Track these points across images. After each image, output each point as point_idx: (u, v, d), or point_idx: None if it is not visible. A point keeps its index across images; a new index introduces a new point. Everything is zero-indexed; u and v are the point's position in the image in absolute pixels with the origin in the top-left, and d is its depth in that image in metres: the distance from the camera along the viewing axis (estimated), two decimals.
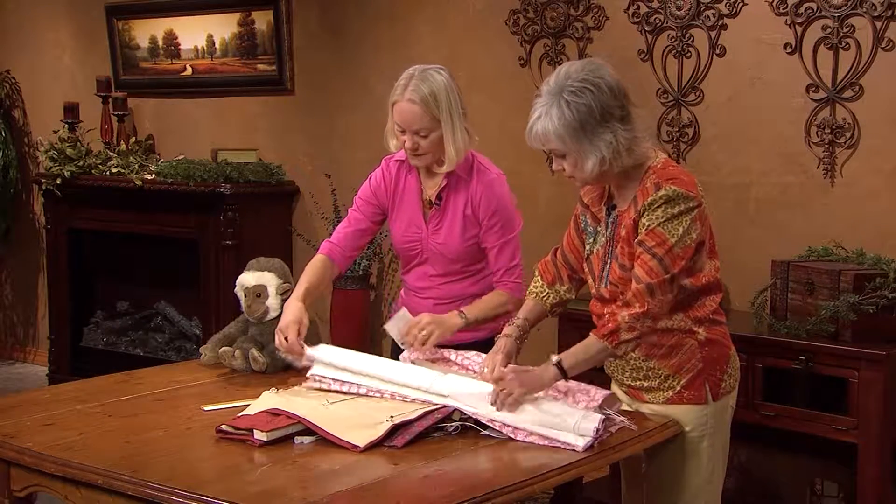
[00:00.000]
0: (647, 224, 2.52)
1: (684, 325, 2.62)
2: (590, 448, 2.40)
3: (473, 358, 2.82)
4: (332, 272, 3.15)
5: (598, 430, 2.41)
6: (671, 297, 2.53)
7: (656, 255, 2.50)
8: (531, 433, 2.46)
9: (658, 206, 2.51)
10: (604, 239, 2.68)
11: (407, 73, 3.00)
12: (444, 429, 2.52)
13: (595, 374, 2.74)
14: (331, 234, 3.22)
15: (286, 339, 2.92)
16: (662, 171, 2.56)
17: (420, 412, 2.52)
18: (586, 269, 2.75)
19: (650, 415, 2.66)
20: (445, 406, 2.57)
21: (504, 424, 2.49)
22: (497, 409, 2.51)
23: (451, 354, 2.87)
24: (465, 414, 2.55)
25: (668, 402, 2.65)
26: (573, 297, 2.88)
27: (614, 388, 2.78)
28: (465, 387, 2.61)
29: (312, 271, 3.10)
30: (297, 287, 3.07)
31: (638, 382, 2.68)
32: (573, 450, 2.38)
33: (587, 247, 2.74)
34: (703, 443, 2.66)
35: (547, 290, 2.85)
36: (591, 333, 2.58)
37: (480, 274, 3.12)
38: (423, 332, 2.87)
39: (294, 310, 2.97)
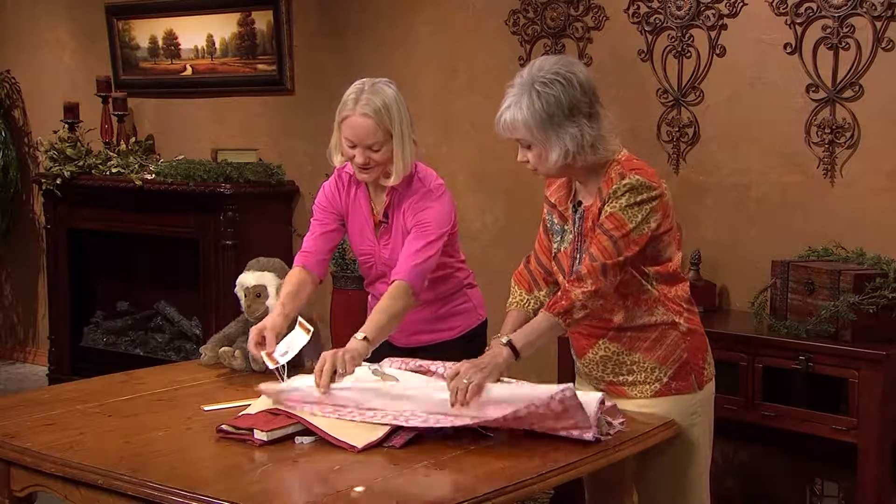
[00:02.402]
0: (608, 210, 2.55)
1: (667, 318, 2.63)
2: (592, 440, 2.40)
3: None
4: (310, 278, 3.07)
5: (595, 427, 2.42)
6: (617, 281, 2.55)
7: (612, 236, 2.53)
8: (529, 415, 2.41)
9: (622, 194, 2.54)
10: (571, 236, 2.69)
11: (355, 86, 2.95)
12: (443, 429, 2.51)
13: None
14: (287, 267, 3.17)
15: (259, 343, 2.89)
16: (626, 163, 2.60)
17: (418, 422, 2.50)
18: (555, 269, 2.76)
19: (636, 412, 2.64)
20: (444, 415, 2.51)
21: (504, 418, 2.43)
22: (455, 402, 2.45)
23: (439, 368, 2.82)
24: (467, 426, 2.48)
25: (657, 394, 2.65)
26: None
27: (586, 385, 2.76)
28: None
29: (288, 281, 3.05)
30: (277, 303, 3.02)
31: (621, 377, 2.68)
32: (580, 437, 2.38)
33: (555, 245, 2.74)
34: (694, 432, 2.67)
35: (527, 298, 2.84)
36: (544, 311, 2.57)
37: (439, 279, 3.11)
38: (324, 376, 2.67)
39: (266, 321, 2.93)
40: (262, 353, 2.87)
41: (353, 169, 3.03)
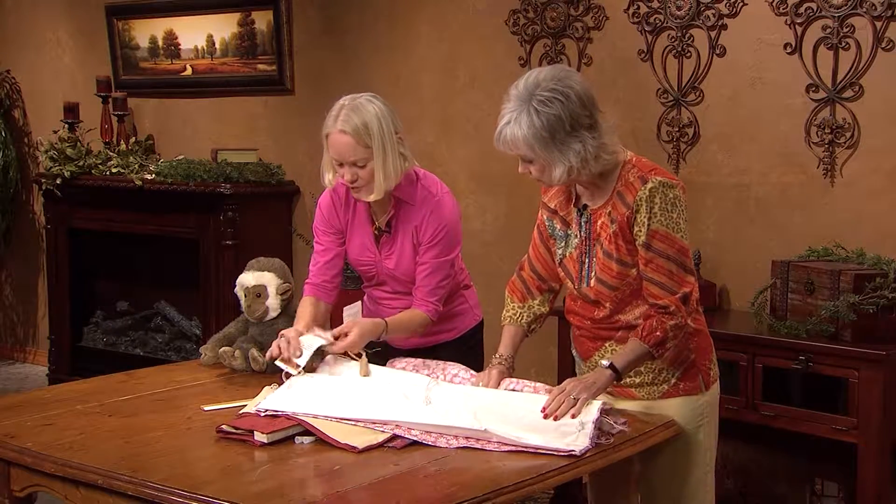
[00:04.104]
0: (647, 223, 2.53)
1: None
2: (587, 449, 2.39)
3: (461, 374, 2.80)
4: (323, 307, 3.10)
5: (592, 439, 2.41)
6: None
7: (671, 257, 2.53)
8: (526, 445, 2.40)
9: (654, 200, 2.53)
10: (577, 240, 2.67)
11: (337, 103, 2.94)
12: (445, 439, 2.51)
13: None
14: (308, 274, 3.16)
15: (284, 345, 2.84)
16: (640, 164, 2.60)
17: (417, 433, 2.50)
18: (561, 274, 2.75)
19: (643, 413, 2.65)
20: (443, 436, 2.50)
21: (501, 441, 2.41)
22: (550, 412, 2.46)
23: (439, 372, 2.83)
24: (459, 444, 2.45)
25: (665, 395, 2.65)
26: (547, 309, 2.85)
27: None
28: (454, 408, 2.56)
29: (303, 311, 3.05)
30: (295, 324, 3.01)
31: (629, 379, 2.67)
32: (570, 454, 2.37)
33: (559, 251, 2.73)
34: (700, 434, 2.67)
35: (520, 311, 2.83)
36: (637, 339, 2.55)
37: None
38: (346, 342, 2.86)
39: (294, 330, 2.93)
40: (280, 363, 2.85)
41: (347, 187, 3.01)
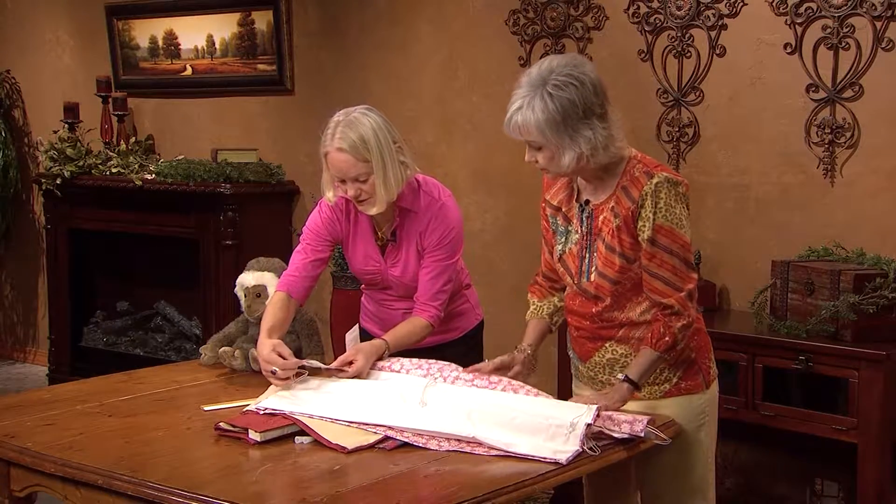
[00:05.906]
0: (652, 218, 2.53)
1: None
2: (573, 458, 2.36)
3: (462, 377, 2.77)
4: (293, 307, 3.04)
5: (582, 442, 2.38)
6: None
7: (674, 252, 2.54)
8: (515, 453, 2.38)
9: (660, 195, 2.53)
10: (577, 235, 2.67)
11: (333, 120, 2.91)
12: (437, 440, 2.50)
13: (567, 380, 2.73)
14: (287, 266, 3.13)
15: (273, 371, 2.76)
16: (645, 160, 2.61)
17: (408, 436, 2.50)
18: (560, 270, 2.74)
19: (645, 413, 2.60)
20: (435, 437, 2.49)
21: (491, 447, 2.39)
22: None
23: (437, 374, 2.81)
24: (450, 447, 2.44)
25: (667, 395, 2.64)
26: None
27: (587, 391, 2.75)
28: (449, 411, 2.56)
29: (274, 310, 2.98)
30: (262, 325, 2.93)
31: None
32: (555, 461, 2.34)
33: (558, 247, 2.72)
34: (701, 432, 2.67)
35: (540, 304, 2.84)
36: (648, 347, 2.56)
37: None
38: (353, 369, 2.82)
39: (267, 345, 2.82)
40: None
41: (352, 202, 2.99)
